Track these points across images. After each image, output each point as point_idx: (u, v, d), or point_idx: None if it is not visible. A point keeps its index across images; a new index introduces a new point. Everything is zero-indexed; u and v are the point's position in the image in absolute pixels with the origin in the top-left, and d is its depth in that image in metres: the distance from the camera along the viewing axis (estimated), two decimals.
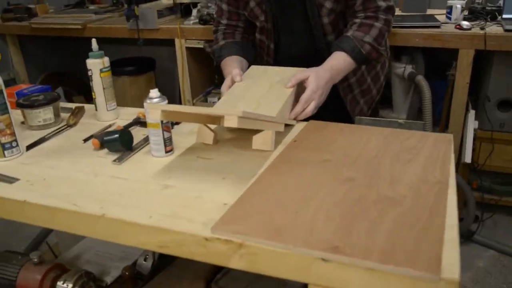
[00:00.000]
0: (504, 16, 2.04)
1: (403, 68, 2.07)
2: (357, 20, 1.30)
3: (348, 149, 1.00)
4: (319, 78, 1.18)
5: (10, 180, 0.97)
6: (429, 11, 2.42)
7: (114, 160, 1.02)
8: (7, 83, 3.15)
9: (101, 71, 1.23)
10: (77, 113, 1.30)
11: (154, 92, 1.01)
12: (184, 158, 1.02)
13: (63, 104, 1.37)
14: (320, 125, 1.15)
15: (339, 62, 1.27)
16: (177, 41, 2.42)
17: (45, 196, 0.89)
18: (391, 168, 0.90)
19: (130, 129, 1.19)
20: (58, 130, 1.21)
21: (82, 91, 3.37)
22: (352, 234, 0.69)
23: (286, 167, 0.94)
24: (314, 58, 1.32)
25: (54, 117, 1.25)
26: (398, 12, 2.44)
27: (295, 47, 1.45)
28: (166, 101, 1.03)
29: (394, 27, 2.01)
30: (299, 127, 1.16)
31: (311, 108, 1.16)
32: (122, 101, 3.03)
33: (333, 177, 0.88)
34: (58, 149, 1.12)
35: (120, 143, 1.04)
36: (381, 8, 1.29)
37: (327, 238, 0.69)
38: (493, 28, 1.95)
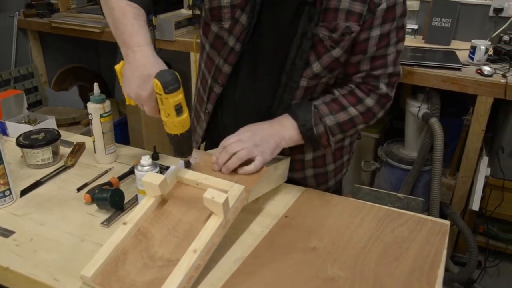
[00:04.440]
0: None
1: (418, 108, 2.02)
2: (337, 93, 1.10)
3: (338, 234, 0.98)
4: (256, 129, 1.06)
5: (5, 233, 0.98)
6: (454, 43, 2.34)
7: (103, 222, 1.02)
8: (26, 77, 3.19)
9: (101, 116, 1.22)
10: (77, 152, 1.31)
11: (145, 160, 1.00)
12: None
13: (64, 137, 1.38)
14: (314, 196, 1.13)
15: (285, 128, 1.08)
16: (192, 55, 2.40)
17: (28, 264, 0.89)
18: (376, 268, 0.88)
19: (125, 178, 1.19)
20: (55, 173, 1.21)
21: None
22: None
23: (270, 253, 0.92)
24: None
25: (53, 156, 1.25)
26: (420, 42, 2.37)
27: (251, 98, 1.16)
28: (158, 168, 1.02)
29: (412, 65, 1.96)
30: (295, 194, 1.14)
31: (237, 159, 1.01)
32: None
33: (315, 273, 0.86)
34: (51, 197, 1.12)
35: (110, 203, 1.03)
36: (379, 92, 1.09)
37: None
38: None
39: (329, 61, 1.05)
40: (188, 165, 1.04)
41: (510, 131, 1.93)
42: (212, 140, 1.29)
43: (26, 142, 1.23)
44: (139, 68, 0.95)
